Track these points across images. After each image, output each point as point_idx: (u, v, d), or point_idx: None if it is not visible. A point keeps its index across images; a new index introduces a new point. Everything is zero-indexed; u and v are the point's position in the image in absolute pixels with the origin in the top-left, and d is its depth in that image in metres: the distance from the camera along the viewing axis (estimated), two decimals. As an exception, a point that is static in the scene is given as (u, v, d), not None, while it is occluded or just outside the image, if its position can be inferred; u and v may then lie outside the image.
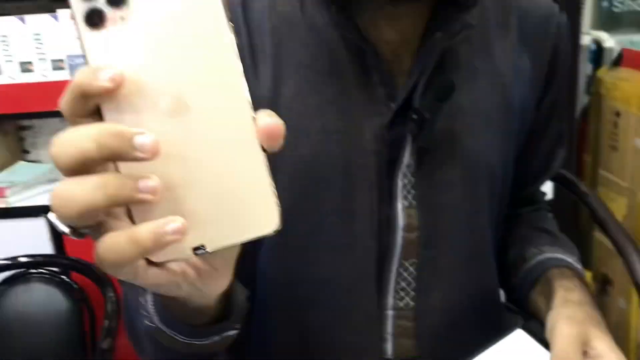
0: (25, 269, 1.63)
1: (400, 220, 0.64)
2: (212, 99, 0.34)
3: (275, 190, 0.36)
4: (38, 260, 1.63)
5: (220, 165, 0.35)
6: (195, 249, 0.36)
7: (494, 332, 0.71)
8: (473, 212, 0.67)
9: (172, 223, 0.33)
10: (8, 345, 1.60)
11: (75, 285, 1.63)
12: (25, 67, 1.81)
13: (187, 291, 0.39)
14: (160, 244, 0.33)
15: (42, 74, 1.81)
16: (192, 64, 0.34)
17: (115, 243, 0.34)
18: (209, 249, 0.36)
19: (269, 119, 0.35)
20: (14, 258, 1.62)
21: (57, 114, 1.53)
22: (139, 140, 0.32)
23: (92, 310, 1.65)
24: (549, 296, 0.66)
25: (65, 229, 0.35)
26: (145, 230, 0.33)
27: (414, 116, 0.60)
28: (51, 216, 0.34)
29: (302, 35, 0.63)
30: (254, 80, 0.64)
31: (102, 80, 0.32)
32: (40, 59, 1.80)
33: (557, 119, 0.75)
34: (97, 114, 0.34)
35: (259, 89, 0.63)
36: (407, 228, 0.64)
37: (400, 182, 0.64)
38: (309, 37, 0.63)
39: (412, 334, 0.68)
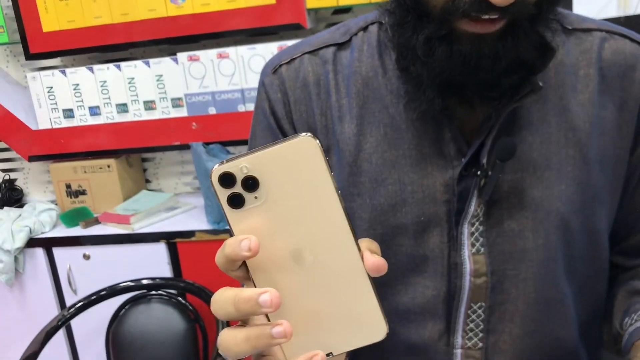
0: (146, 291, 1.76)
1: (467, 265, 0.68)
2: (328, 249, 0.44)
3: (383, 308, 0.46)
4: (158, 283, 1.77)
5: (340, 293, 0.45)
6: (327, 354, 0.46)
7: None
8: (545, 261, 0.69)
9: (316, 356, 0.44)
10: (129, 359, 1.73)
11: (190, 307, 1.75)
12: (149, 105, 1.97)
13: None
14: None
15: (163, 111, 1.97)
16: (312, 226, 0.44)
17: None
18: (334, 353, 0.46)
19: (373, 257, 0.44)
20: (137, 280, 1.76)
21: (175, 148, 1.69)
22: (262, 299, 0.41)
23: (205, 330, 1.75)
24: None
25: None
26: None
27: (478, 172, 0.66)
28: (220, 351, 0.46)
29: (382, 98, 0.70)
30: (339, 136, 0.71)
31: (243, 251, 0.42)
32: (162, 98, 1.96)
33: None
34: (244, 264, 0.45)
35: (344, 145, 0.71)
36: (475, 273, 0.68)
37: (466, 230, 0.68)
38: (389, 100, 0.69)
39: None
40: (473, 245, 0.68)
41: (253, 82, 1.86)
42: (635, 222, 0.76)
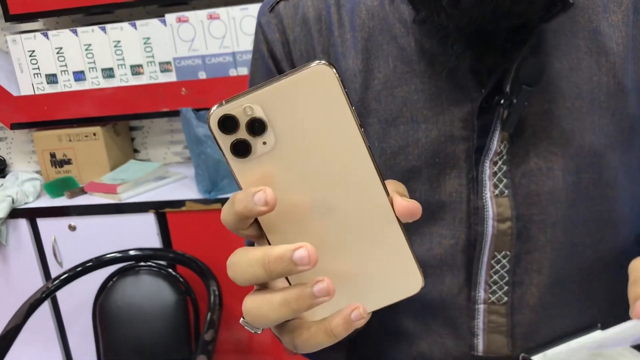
0: (134, 262, 1.70)
1: (490, 209, 0.61)
2: (354, 194, 0.38)
3: (416, 257, 0.41)
4: (146, 254, 1.71)
5: (369, 244, 0.40)
6: None
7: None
8: (576, 201, 0.62)
9: (356, 310, 0.39)
10: (117, 333, 1.68)
11: (181, 278, 1.69)
12: (136, 70, 1.90)
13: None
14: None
15: (151, 76, 1.89)
16: (332, 170, 0.38)
17: (313, 334, 0.40)
18: (367, 311, 0.40)
19: (405, 201, 0.39)
20: (125, 251, 1.70)
21: (164, 115, 1.61)
22: (297, 255, 0.36)
23: (196, 302, 1.70)
24: None
25: (258, 331, 0.41)
26: (337, 321, 0.39)
27: (502, 101, 0.58)
28: (243, 322, 0.41)
29: (390, 28, 0.63)
30: (344, 74, 0.64)
31: (258, 205, 0.36)
32: (149, 62, 1.88)
33: None
34: (256, 222, 0.39)
35: (350, 82, 0.64)
36: (498, 218, 0.61)
37: (488, 170, 0.60)
38: (397, 30, 0.62)
39: (505, 331, 0.64)
40: (496, 186, 0.61)
41: (245, 44, 1.79)
42: None
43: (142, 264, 1.70)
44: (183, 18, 1.79)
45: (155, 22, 1.83)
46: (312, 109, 0.36)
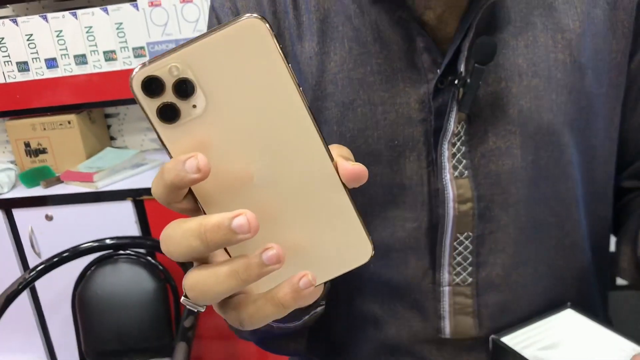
0: (112, 251, 1.69)
1: (450, 191, 0.60)
2: (295, 160, 0.36)
3: (365, 224, 0.38)
4: (125, 242, 1.69)
5: (314, 211, 0.37)
6: None
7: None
8: (536, 179, 0.62)
9: (304, 278, 0.36)
10: (98, 323, 1.67)
11: (160, 266, 1.68)
12: (109, 55, 1.87)
13: None
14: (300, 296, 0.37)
15: (124, 62, 1.86)
16: (270, 134, 0.35)
17: (259, 307, 0.38)
18: (315, 283, 0.37)
19: (350, 165, 0.37)
20: (102, 240, 1.68)
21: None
22: (236, 223, 0.33)
23: (176, 289, 1.69)
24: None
25: (201, 309, 0.38)
26: (285, 291, 0.36)
27: (455, 81, 0.57)
28: (185, 301, 0.37)
29: (345, 10, 0.61)
30: (299, 57, 0.63)
31: (190, 173, 0.33)
32: (122, 48, 1.85)
33: None
34: (190, 193, 0.36)
35: (306, 66, 0.62)
36: (459, 199, 0.60)
37: (446, 152, 0.60)
38: (352, 10, 0.61)
39: (471, 312, 0.64)
40: (455, 167, 0.60)
41: (219, 28, 1.76)
42: (636, 141, 0.68)
43: (121, 252, 1.69)
44: (155, 2, 1.76)
45: (127, 6, 1.80)
46: (245, 67, 0.33)
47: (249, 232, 0.33)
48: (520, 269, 0.64)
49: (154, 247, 1.70)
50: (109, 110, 2.17)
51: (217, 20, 0.67)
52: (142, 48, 1.84)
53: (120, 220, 1.80)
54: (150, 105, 0.33)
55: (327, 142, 0.36)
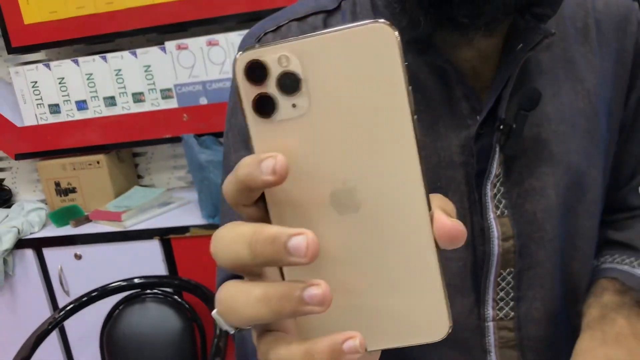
0: (140, 290, 1.70)
1: (495, 229, 0.63)
2: (387, 196, 0.31)
3: (447, 294, 0.32)
4: (152, 282, 1.70)
5: (392, 266, 0.32)
6: None
7: None
8: (566, 219, 0.65)
9: (351, 340, 0.30)
10: (126, 362, 1.67)
11: (186, 305, 1.69)
12: (137, 97, 1.91)
13: None
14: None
15: (152, 103, 1.90)
16: (368, 157, 0.30)
17: (291, 355, 0.31)
18: (370, 349, 0.32)
19: (450, 221, 0.31)
20: (130, 279, 1.70)
21: (166, 141, 1.62)
22: (293, 242, 0.28)
23: (203, 328, 1.69)
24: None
25: (230, 330, 0.33)
26: (322, 347, 0.30)
27: (501, 126, 0.61)
28: (215, 315, 0.33)
29: None
30: None
31: (265, 174, 0.29)
32: (150, 90, 1.89)
33: None
34: (262, 200, 0.32)
35: None
36: (503, 237, 0.64)
37: (489, 192, 0.63)
38: None
39: (515, 345, 0.67)
40: (497, 207, 0.64)
41: (245, 69, 1.79)
42: (623, 177, 0.74)
43: (148, 291, 1.70)
44: (182, 45, 1.81)
45: (155, 49, 1.85)
46: (360, 76, 0.29)
47: (304, 257, 0.28)
48: (557, 302, 0.67)
49: (181, 287, 1.71)
50: (137, 149, 2.21)
51: None
52: (169, 90, 1.87)
53: (148, 259, 1.82)
54: (248, 92, 0.30)
55: (428, 187, 0.31)
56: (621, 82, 0.69)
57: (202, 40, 1.80)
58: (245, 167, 0.30)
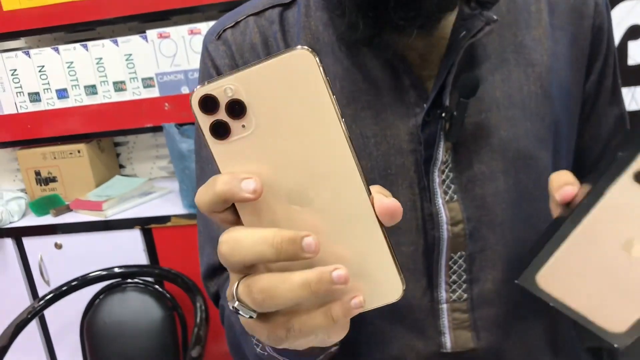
0: (120, 279, 1.70)
1: (443, 214, 0.65)
2: (332, 188, 0.38)
3: (397, 262, 0.39)
4: (132, 271, 1.70)
5: (346, 243, 0.39)
6: None
7: (559, 319, 0.71)
8: (518, 201, 0.67)
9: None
10: (106, 350, 1.67)
11: (167, 295, 1.69)
12: (119, 86, 1.89)
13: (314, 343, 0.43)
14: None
15: (134, 92, 1.89)
16: (311, 159, 0.37)
17: (312, 317, 0.39)
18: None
19: (387, 200, 0.38)
20: (110, 269, 1.70)
21: (148, 130, 1.61)
22: (306, 242, 0.36)
23: (184, 318, 1.70)
24: None
25: (254, 315, 0.39)
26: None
27: (442, 114, 0.63)
28: (239, 306, 0.39)
29: (334, 51, 0.66)
30: None
31: (246, 192, 0.36)
32: (132, 78, 1.88)
33: (613, 98, 0.74)
34: (232, 206, 0.38)
35: None
36: (451, 221, 0.65)
37: (437, 178, 0.65)
38: (341, 52, 0.66)
39: (469, 326, 0.68)
40: (445, 192, 0.65)
41: (227, 59, 1.78)
42: (585, 162, 0.75)
43: (129, 280, 1.70)
44: (164, 34, 1.80)
45: (136, 38, 1.84)
46: (292, 95, 0.36)
47: (313, 253, 0.36)
48: (510, 284, 0.68)
49: (162, 276, 1.71)
50: (118, 139, 2.19)
51: (211, 62, 0.71)
52: (151, 79, 1.86)
53: (129, 249, 1.81)
54: (205, 121, 0.36)
55: (365, 175, 0.38)
56: (579, 64, 0.70)
57: (184, 28, 1.78)
58: (225, 184, 0.36)
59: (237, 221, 0.39)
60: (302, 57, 0.35)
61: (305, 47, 0.35)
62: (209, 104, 0.36)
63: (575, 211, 0.43)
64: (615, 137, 0.76)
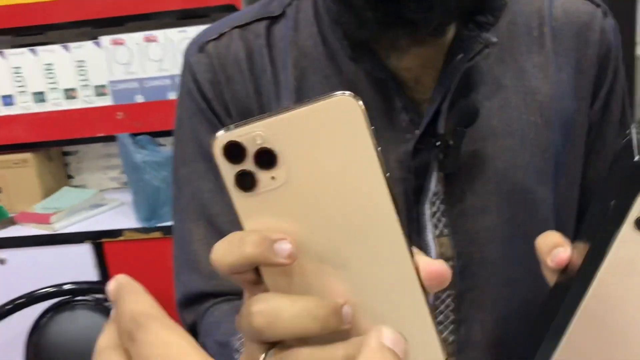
0: (70, 296, 1.62)
1: (432, 249, 0.61)
2: (372, 251, 0.33)
3: (438, 332, 0.35)
4: (83, 288, 1.63)
5: (384, 312, 0.34)
6: None
7: None
8: (511, 238, 0.63)
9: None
10: (54, 373, 1.59)
11: (119, 312, 1.62)
12: (69, 93, 1.83)
13: None
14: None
15: (85, 100, 1.83)
16: (348, 217, 0.32)
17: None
18: None
19: (436, 264, 0.33)
20: (59, 285, 1.62)
21: (100, 140, 1.55)
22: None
23: (137, 337, 1.63)
24: None
25: (261, 353, 0.34)
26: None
27: (437, 143, 0.59)
28: (244, 340, 0.35)
29: (322, 68, 0.63)
30: None
31: (281, 257, 0.31)
32: (83, 86, 1.82)
33: (615, 129, 0.70)
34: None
35: None
36: (441, 257, 0.61)
37: (428, 211, 0.61)
38: (330, 69, 0.63)
39: None
40: (436, 226, 0.61)
41: (184, 67, 1.75)
42: (588, 195, 0.71)
43: (79, 298, 1.62)
44: (118, 40, 1.74)
45: (89, 44, 1.78)
46: (331, 146, 0.31)
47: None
48: (499, 327, 0.64)
49: (114, 293, 1.64)
50: (67, 149, 2.12)
51: (191, 76, 0.66)
52: (103, 86, 1.81)
53: (78, 264, 1.74)
54: (229, 171, 0.32)
55: (409, 238, 0.33)
56: (583, 93, 0.66)
57: (139, 35, 1.74)
58: (255, 247, 0.31)
59: (258, 280, 0.34)
60: (344, 103, 0.31)
61: (348, 92, 0.31)
62: (234, 151, 0.32)
63: (579, 277, 0.39)
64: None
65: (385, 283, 0.33)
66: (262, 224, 0.32)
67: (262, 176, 0.32)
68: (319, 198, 0.32)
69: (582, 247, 0.40)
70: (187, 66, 0.67)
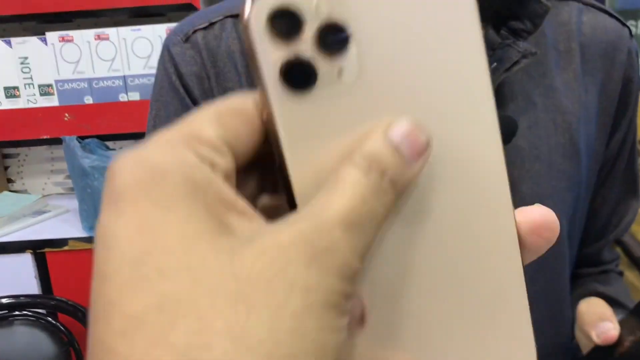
0: (7, 311, 1.52)
1: None
2: (469, 191, 0.23)
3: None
4: (22, 302, 1.53)
5: (472, 279, 0.24)
6: None
7: None
8: (536, 275, 0.59)
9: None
10: (-12, 395, 1.48)
11: (62, 328, 1.53)
12: (11, 92, 1.72)
13: None
14: None
15: (29, 99, 1.72)
16: (444, 140, 0.22)
17: None
18: None
19: (537, 210, 0.24)
20: (-4, 299, 1.51)
21: (44, 142, 1.42)
22: None
23: (81, 354, 1.54)
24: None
25: None
26: None
27: None
28: None
29: None
30: None
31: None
32: (27, 84, 1.71)
33: (630, 163, 0.66)
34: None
35: None
36: None
37: None
38: None
39: None
40: None
41: (137, 68, 1.66)
42: (599, 229, 0.67)
43: (17, 313, 1.52)
44: (67, 37, 1.64)
45: (34, 40, 1.67)
46: (427, 31, 0.21)
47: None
48: None
49: (57, 307, 1.54)
50: (8, 150, 2.00)
51: (174, 69, 0.59)
52: (49, 86, 1.71)
53: (18, 276, 1.64)
54: (272, 56, 0.20)
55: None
56: (605, 118, 0.62)
57: (89, 33, 1.64)
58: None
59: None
60: None
61: None
62: (284, 25, 0.20)
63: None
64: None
65: (479, 236, 0.23)
66: (315, 144, 0.21)
67: (324, 67, 0.21)
68: (404, 104, 0.21)
69: (629, 324, 0.37)
70: (168, 56, 0.59)
